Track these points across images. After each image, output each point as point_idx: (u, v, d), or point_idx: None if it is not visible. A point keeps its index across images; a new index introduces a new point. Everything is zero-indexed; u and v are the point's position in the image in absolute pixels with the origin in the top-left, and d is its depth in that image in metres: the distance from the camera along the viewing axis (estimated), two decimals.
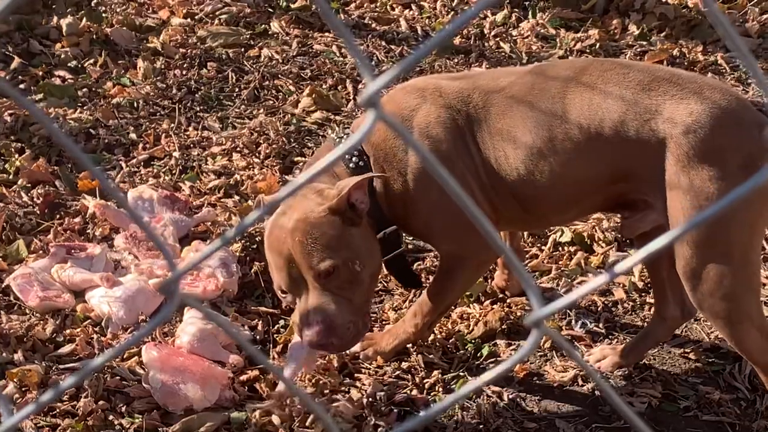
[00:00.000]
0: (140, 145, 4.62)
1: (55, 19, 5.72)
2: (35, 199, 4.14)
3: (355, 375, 3.25)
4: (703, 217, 0.72)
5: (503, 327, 3.48)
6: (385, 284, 3.72)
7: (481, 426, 3.05)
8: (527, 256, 3.90)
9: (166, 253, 0.81)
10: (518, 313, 3.57)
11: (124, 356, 3.30)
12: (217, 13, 6.02)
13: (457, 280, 3.14)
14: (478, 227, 0.72)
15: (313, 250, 2.74)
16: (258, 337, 3.41)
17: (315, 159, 3.04)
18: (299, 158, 4.53)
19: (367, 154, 2.90)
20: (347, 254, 2.77)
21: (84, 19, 5.72)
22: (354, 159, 2.91)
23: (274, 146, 4.57)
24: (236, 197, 4.22)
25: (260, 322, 3.48)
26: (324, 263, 2.74)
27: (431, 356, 3.32)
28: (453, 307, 3.47)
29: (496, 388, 3.20)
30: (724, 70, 5.49)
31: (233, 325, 3.40)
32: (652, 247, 0.73)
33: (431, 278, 3.52)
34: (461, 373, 3.28)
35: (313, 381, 3.15)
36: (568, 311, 3.59)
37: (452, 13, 6.12)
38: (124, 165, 4.44)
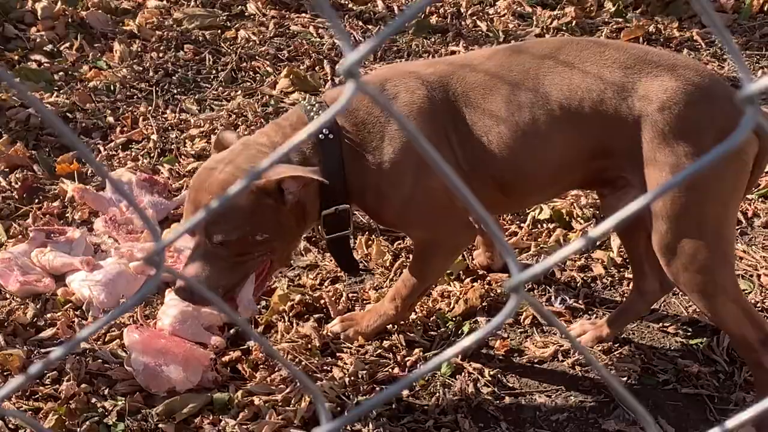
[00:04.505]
0: (118, 129, 4.60)
1: (30, 2, 5.68)
2: (13, 184, 4.13)
3: (337, 354, 3.25)
4: (674, 182, 0.72)
5: (483, 304, 3.50)
6: (365, 264, 3.73)
7: (462, 402, 3.07)
8: (507, 233, 3.92)
9: (149, 225, 0.82)
10: (498, 290, 3.59)
11: (106, 339, 3.30)
12: None
13: (433, 265, 3.14)
14: (459, 195, 0.73)
15: (216, 217, 2.68)
16: (239, 317, 3.41)
17: (282, 124, 2.90)
18: None
19: (343, 129, 2.82)
20: (249, 229, 2.70)
21: (59, 3, 5.68)
22: (324, 131, 2.82)
23: (252, 128, 4.56)
24: None
25: None
26: (217, 235, 2.69)
27: (412, 335, 3.33)
28: (434, 286, 3.49)
29: (477, 365, 3.22)
30: (699, 46, 5.51)
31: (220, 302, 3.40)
32: (624, 213, 0.74)
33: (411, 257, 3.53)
34: (443, 351, 3.30)
35: (295, 361, 3.17)
36: (547, 287, 3.61)
37: None
38: (102, 148, 4.43)
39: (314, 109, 2.87)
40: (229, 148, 2.88)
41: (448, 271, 3.58)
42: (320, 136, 2.81)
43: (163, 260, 0.84)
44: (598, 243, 3.85)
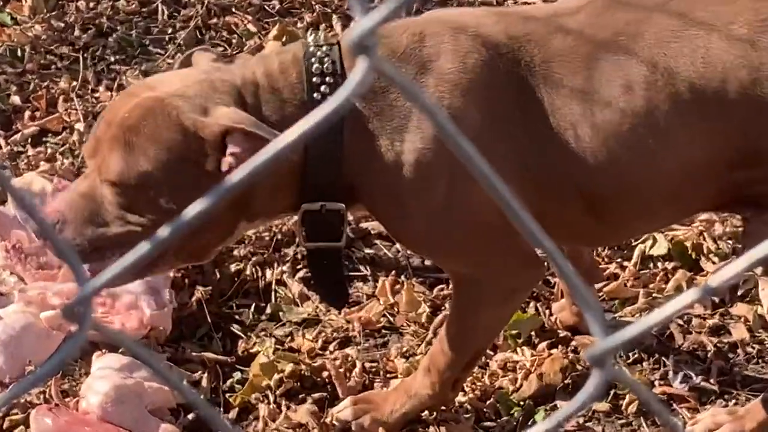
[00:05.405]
0: (27, 114, 4.63)
1: None
2: None
3: None
4: None
5: (566, 381, 3.49)
6: (391, 319, 3.72)
7: None
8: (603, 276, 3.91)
9: (70, 258, 0.83)
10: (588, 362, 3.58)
11: (4, 426, 3.32)
12: None
13: (480, 319, 3.11)
14: (512, 219, 0.74)
15: (124, 145, 2.68)
16: (203, 395, 3.41)
17: (269, 63, 2.85)
18: None
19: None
20: (154, 181, 2.68)
21: None
22: (323, 88, 2.72)
23: None
24: None
25: (205, 374, 3.48)
26: (113, 170, 2.69)
27: (459, 425, 3.34)
28: (490, 353, 3.49)
29: None
30: None
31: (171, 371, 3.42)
32: (765, 249, 0.75)
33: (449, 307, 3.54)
34: None
35: None
36: (663, 359, 3.60)
37: None
38: (2, 142, 4.46)
39: (318, 53, 2.78)
40: (189, 69, 2.92)
41: (514, 331, 3.57)
42: (315, 95, 2.74)
43: (89, 312, 0.85)
44: (737, 292, 3.84)
